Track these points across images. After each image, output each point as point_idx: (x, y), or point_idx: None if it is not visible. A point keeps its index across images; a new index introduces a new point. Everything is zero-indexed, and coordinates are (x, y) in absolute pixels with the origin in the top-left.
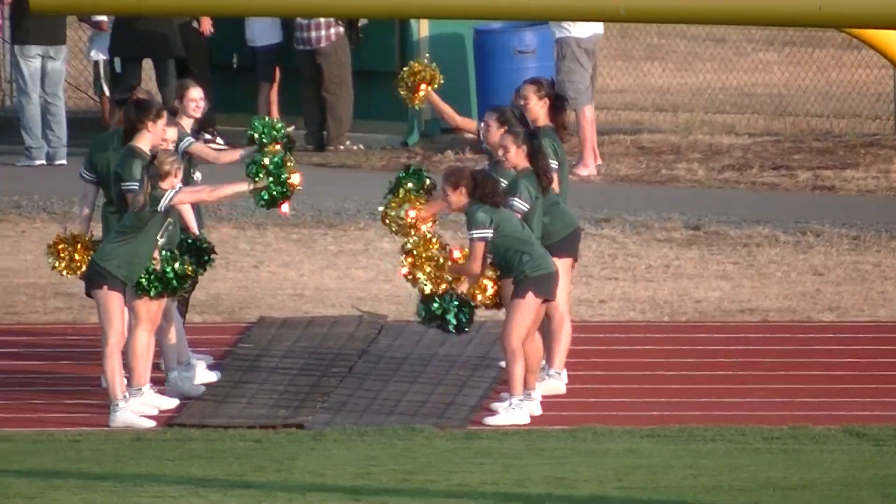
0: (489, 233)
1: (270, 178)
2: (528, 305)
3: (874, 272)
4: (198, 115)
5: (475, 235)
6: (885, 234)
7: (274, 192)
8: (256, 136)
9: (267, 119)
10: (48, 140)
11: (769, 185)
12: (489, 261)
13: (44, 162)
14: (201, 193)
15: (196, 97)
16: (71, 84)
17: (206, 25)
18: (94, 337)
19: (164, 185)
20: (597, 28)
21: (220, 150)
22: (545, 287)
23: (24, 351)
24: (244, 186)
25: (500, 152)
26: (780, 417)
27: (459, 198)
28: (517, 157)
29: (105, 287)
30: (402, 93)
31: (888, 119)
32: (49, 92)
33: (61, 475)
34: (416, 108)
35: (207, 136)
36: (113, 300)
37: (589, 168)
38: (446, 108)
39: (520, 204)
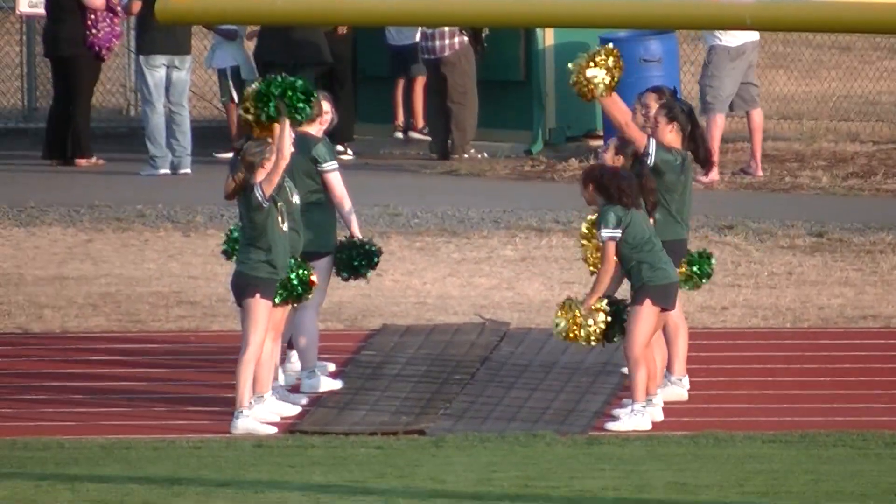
0: (617, 233)
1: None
2: (647, 313)
3: None
4: (324, 126)
5: (603, 235)
6: None
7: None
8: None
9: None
10: (172, 149)
11: (893, 192)
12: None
13: (168, 171)
14: (274, 166)
15: (326, 109)
16: (195, 93)
17: (342, 28)
18: (216, 345)
19: (258, 176)
20: (749, 35)
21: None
22: (664, 296)
23: (147, 359)
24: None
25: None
26: None
27: (590, 195)
28: (665, 132)
29: (258, 295)
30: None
31: None
32: (174, 101)
33: (182, 482)
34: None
35: (339, 148)
36: (263, 308)
37: (713, 173)
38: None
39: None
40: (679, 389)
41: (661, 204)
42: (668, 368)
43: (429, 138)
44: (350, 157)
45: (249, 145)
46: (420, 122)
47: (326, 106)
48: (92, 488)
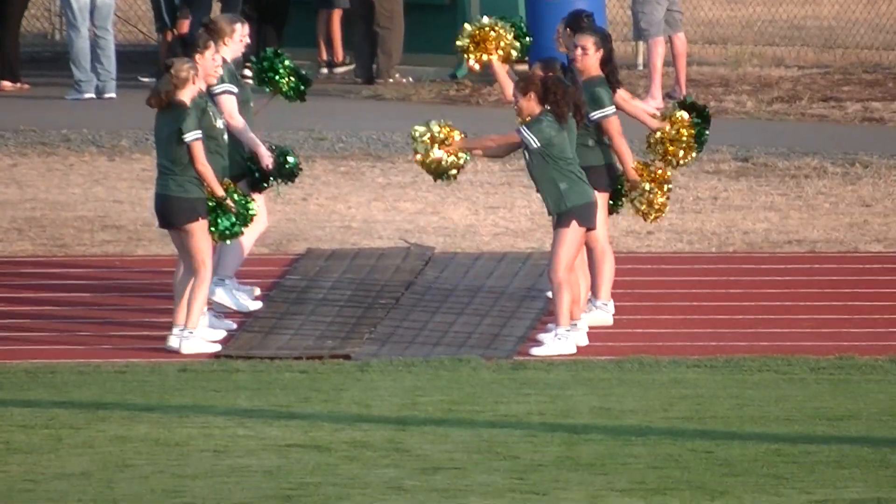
0: (534, 143)
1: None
2: (572, 236)
3: None
4: (242, 51)
5: (605, 112)
6: None
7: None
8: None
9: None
10: (97, 74)
11: (818, 116)
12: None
13: (93, 95)
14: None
15: (245, 33)
16: (120, 17)
17: None
18: (141, 269)
19: (184, 93)
20: None
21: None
22: (587, 216)
23: (72, 283)
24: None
25: (578, 52)
26: (826, 348)
27: (530, 104)
28: (593, 60)
29: (200, 218)
30: (463, 51)
31: None
32: (98, 26)
33: (107, 406)
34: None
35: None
36: (206, 228)
37: (656, 100)
38: (504, 82)
39: (609, 111)
40: (604, 314)
41: (586, 131)
42: (593, 293)
43: (352, 67)
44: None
45: (178, 62)
46: (340, 56)
47: (245, 29)
48: (17, 413)
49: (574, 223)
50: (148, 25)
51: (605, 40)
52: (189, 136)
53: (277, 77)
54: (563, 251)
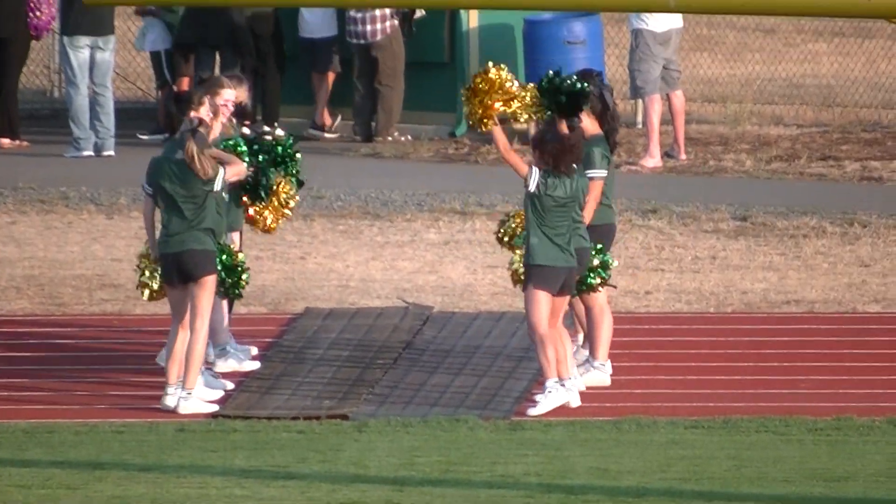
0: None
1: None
2: (530, 295)
3: None
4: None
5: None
6: None
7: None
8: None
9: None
10: (96, 131)
11: (817, 175)
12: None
13: (91, 153)
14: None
15: (229, 98)
16: (119, 75)
17: None
18: (139, 328)
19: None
20: (673, 21)
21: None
22: (543, 280)
23: (69, 342)
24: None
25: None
26: (824, 408)
27: (536, 160)
28: (590, 124)
29: (214, 271)
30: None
31: None
32: (97, 83)
33: (105, 466)
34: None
35: (267, 128)
36: (215, 283)
37: (655, 158)
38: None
39: (597, 173)
40: (601, 375)
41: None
42: (591, 353)
43: (335, 135)
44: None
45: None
46: (327, 120)
47: (232, 93)
48: (14, 472)
49: (530, 284)
50: (147, 82)
51: (598, 98)
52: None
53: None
54: (530, 310)
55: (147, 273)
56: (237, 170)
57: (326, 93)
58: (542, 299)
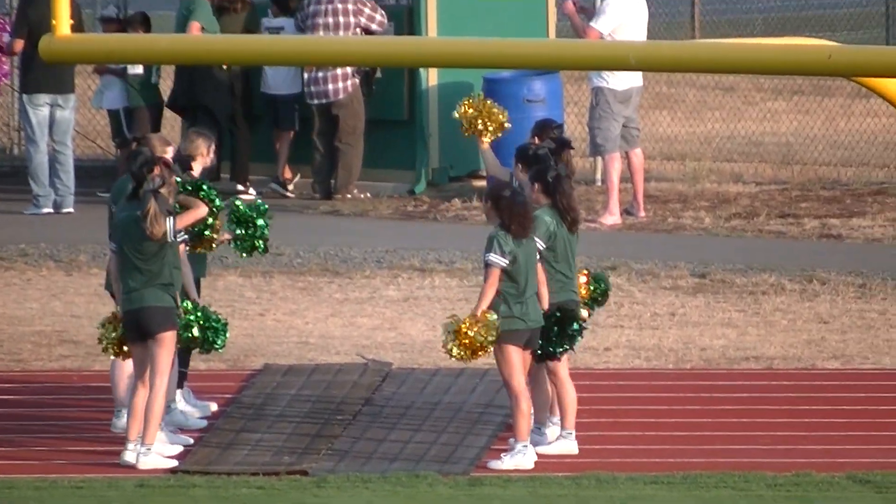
0: (504, 262)
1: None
2: (503, 354)
3: (880, 320)
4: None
5: (489, 259)
6: (892, 282)
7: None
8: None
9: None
10: (56, 188)
11: (776, 233)
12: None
13: (51, 210)
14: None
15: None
16: (79, 132)
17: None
18: (98, 384)
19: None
20: (634, 80)
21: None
22: (518, 339)
23: (29, 398)
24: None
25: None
26: (784, 464)
27: (489, 211)
28: (535, 194)
29: (172, 327)
30: (463, 124)
31: None
32: (57, 140)
33: None
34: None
35: (240, 187)
36: (174, 339)
37: (614, 216)
38: (492, 161)
39: (539, 243)
40: (569, 443)
41: (549, 267)
42: (562, 422)
43: (291, 195)
44: (252, 196)
45: (163, 178)
46: (287, 174)
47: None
48: None
49: (503, 345)
50: (106, 140)
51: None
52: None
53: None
54: (504, 370)
55: (110, 332)
56: (195, 214)
57: (288, 149)
58: (514, 356)
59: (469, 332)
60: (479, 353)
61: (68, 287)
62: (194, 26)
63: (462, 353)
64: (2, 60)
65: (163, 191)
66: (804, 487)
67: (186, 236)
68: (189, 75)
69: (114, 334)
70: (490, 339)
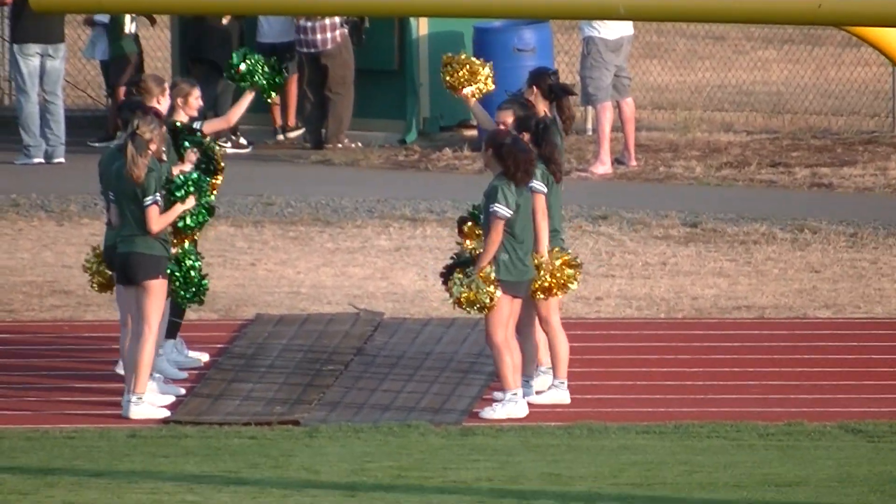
0: (509, 213)
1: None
2: (496, 304)
3: (871, 269)
4: (194, 113)
5: (496, 211)
6: (883, 231)
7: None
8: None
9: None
10: (46, 138)
11: (767, 182)
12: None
13: (42, 160)
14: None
15: (199, 95)
16: (69, 82)
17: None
18: (89, 334)
19: (148, 155)
20: (625, 29)
21: (221, 118)
22: (513, 289)
23: (20, 349)
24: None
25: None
26: (775, 414)
27: (488, 159)
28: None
29: (160, 276)
30: (447, 80)
31: (886, 117)
32: (48, 90)
33: (56, 472)
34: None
35: (232, 139)
36: (163, 288)
37: (605, 165)
38: (482, 116)
39: (539, 186)
40: (561, 393)
41: None
42: (554, 372)
43: (302, 131)
44: (247, 150)
45: (142, 122)
46: (292, 120)
47: (198, 92)
48: None
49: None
50: (97, 90)
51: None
52: (148, 201)
53: (256, 77)
54: (490, 320)
55: (94, 264)
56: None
57: (293, 94)
58: (504, 308)
59: (472, 289)
60: (482, 309)
61: (59, 237)
62: None
63: (467, 305)
64: None
65: (144, 134)
66: (796, 437)
67: (157, 198)
68: (197, 30)
69: (100, 267)
70: (492, 297)
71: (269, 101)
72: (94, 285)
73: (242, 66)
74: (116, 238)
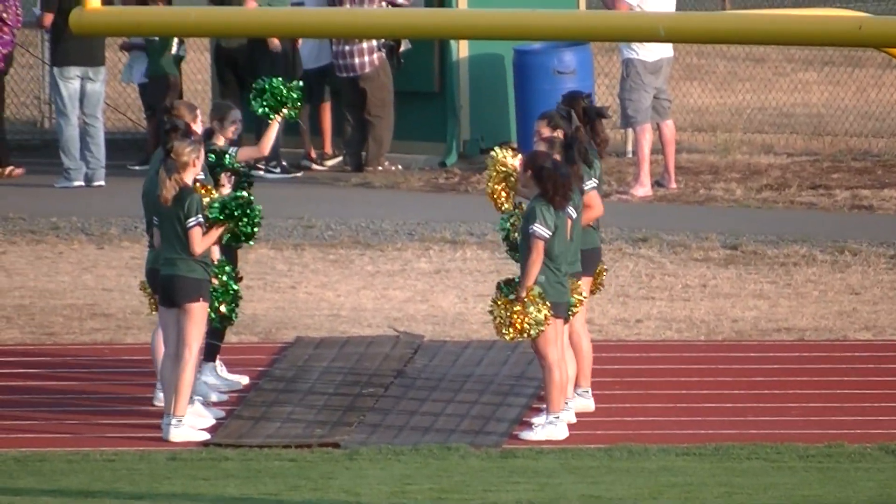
0: (548, 233)
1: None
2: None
3: None
4: (231, 136)
5: (536, 231)
6: None
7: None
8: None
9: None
10: (87, 161)
11: (807, 204)
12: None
13: (82, 183)
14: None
15: (238, 119)
16: (110, 105)
17: (275, 43)
18: (130, 357)
19: (187, 175)
20: (664, 51)
21: (254, 147)
22: (555, 309)
23: (61, 372)
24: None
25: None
26: (815, 435)
27: (528, 180)
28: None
29: (201, 299)
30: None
31: None
32: (88, 113)
33: (96, 494)
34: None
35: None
36: (204, 312)
37: (645, 187)
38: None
39: (541, 230)
40: (585, 401)
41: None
42: (575, 380)
43: (339, 159)
44: (281, 175)
45: (179, 145)
46: (328, 148)
47: (239, 115)
48: (6, 501)
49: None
50: (137, 113)
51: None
52: (191, 222)
53: (280, 106)
54: (540, 340)
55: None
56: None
57: (327, 121)
58: (556, 330)
59: (527, 314)
60: (535, 332)
61: (99, 260)
62: (249, 3)
63: (515, 334)
64: (4, 31)
65: (180, 157)
66: (836, 458)
67: (200, 219)
68: (251, 49)
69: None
70: (544, 317)
71: (296, 122)
72: (150, 307)
73: (254, 98)
74: (157, 260)
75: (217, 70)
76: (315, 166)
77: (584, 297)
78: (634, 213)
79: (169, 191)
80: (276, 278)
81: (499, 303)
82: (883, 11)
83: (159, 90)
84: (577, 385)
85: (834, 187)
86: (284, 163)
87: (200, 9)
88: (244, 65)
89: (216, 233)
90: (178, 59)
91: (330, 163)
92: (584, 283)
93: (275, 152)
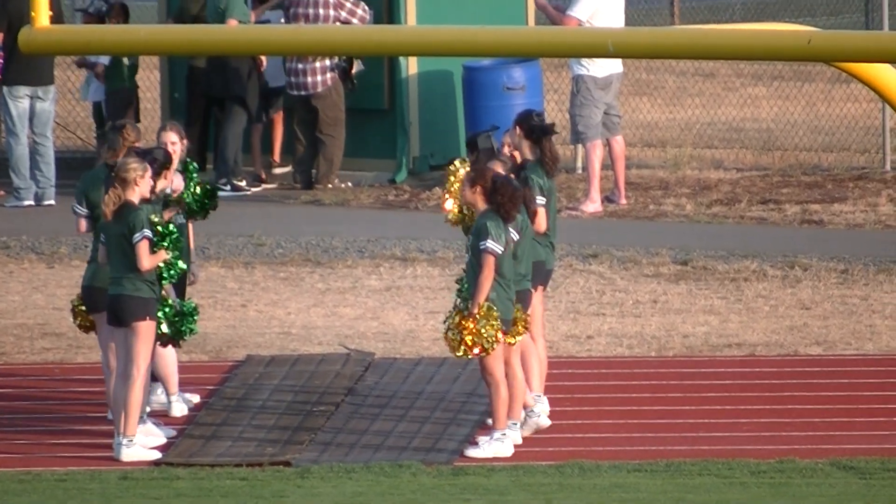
0: (500, 248)
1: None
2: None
3: (862, 306)
4: (176, 157)
5: (487, 247)
6: (873, 267)
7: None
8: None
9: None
10: (36, 180)
11: (757, 219)
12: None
13: (32, 202)
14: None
15: (173, 140)
16: (59, 124)
17: (263, 61)
18: (80, 377)
19: (131, 194)
20: (614, 67)
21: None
22: (504, 325)
23: (11, 391)
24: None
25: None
26: (767, 451)
27: (475, 197)
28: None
29: (148, 318)
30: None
31: (876, 153)
32: (37, 132)
33: None
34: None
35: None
36: (152, 330)
37: (595, 203)
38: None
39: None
40: (540, 406)
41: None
42: (527, 385)
43: (288, 169)
44: (231, 193)
45: (124, 161)
46: (278, 157)
47: (175, 136)
48: None
49: None
50: (86, 132)
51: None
52: (137, 237)
53: (184, 194)
54: (487, 357)
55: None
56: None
57: (279, 131)
58: (502, 347)
59: (479, 331)
60: (488, 349)
61: (50, 279)
62: (231, 23)
63: (467, 352)
64: None
65: (126, 174)
66: (787, 474)
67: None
68: (222, 68)
69: (83, 307)
70: (497, 333)
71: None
72: (81, 327)
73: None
74: (94, 278)
75: (188, 88)
76: (265, 185)
77: (528, 315)
78: (585, 228)
79: (108, 205)
80: (227, 296)
81: (452, 320)
82: (832, 26)
83: (118, 104)
84: (529, 389)
85: (784, 202)
86: (235, 181)
87: (150, 27)
88: (215, 83)
89: (160, 256)
90: (133, 70)
91: (278, 171)
92: (536, 297)
93: (225, 170)
